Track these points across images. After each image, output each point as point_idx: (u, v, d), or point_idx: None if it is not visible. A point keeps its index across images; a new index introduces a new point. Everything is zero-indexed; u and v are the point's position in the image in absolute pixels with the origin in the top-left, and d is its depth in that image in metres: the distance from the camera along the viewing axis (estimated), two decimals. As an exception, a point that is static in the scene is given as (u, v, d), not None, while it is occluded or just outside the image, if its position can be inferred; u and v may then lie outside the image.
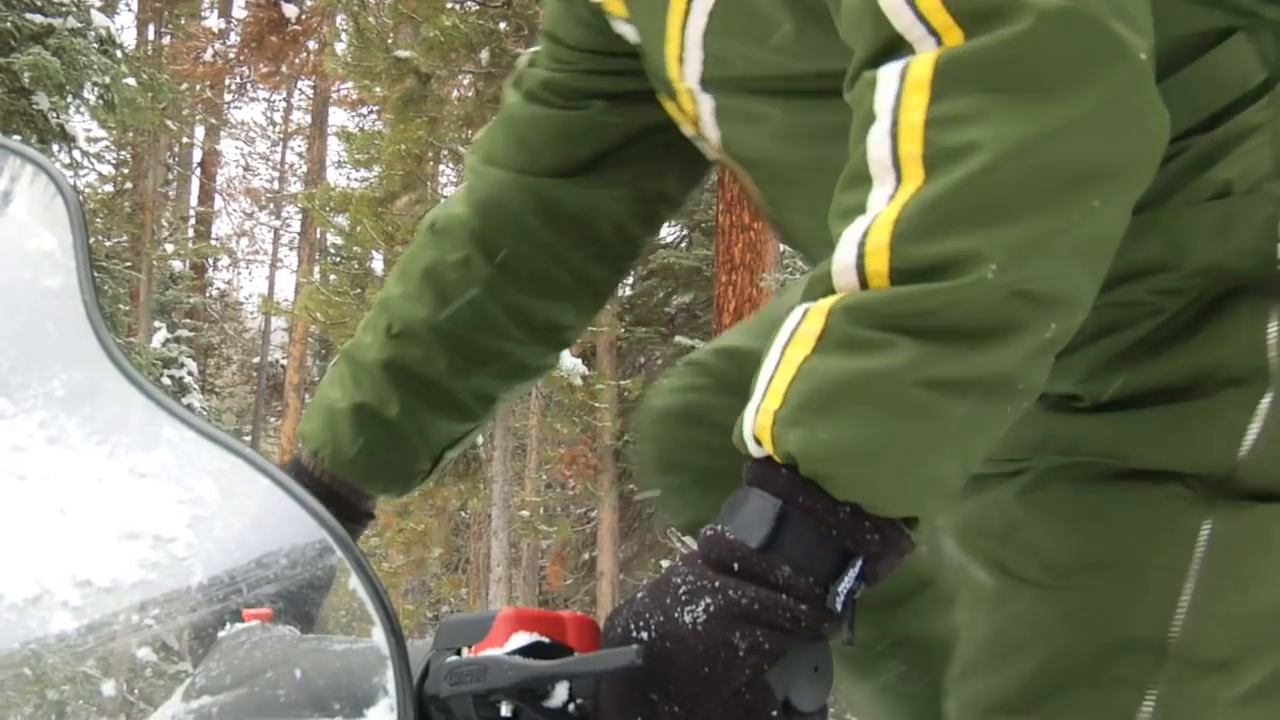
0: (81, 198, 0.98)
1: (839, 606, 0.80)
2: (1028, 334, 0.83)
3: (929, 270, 0.81)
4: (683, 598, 0.80)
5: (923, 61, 0.84)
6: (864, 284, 0.83)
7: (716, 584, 0.80)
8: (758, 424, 0.84)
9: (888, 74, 0.86)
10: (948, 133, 0.83)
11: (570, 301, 1.46)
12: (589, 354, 15.41)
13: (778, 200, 1.28)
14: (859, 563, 0.81)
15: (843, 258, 0.84)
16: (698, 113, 1.22)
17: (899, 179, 0.84)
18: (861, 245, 0.83)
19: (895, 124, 0.84)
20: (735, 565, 0.81)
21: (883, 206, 0.84)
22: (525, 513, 15.35)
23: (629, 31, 1.26)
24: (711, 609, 0.79)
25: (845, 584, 0.81)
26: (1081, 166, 0.83)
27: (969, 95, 0.83)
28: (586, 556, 18.31)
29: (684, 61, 1.17)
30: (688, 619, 0.79)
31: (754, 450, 0.85)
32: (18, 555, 0.88)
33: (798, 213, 1.25)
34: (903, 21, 0.86)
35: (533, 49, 1.46)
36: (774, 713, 0.76)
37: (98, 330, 0.91)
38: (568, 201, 1.40)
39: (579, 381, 12.44)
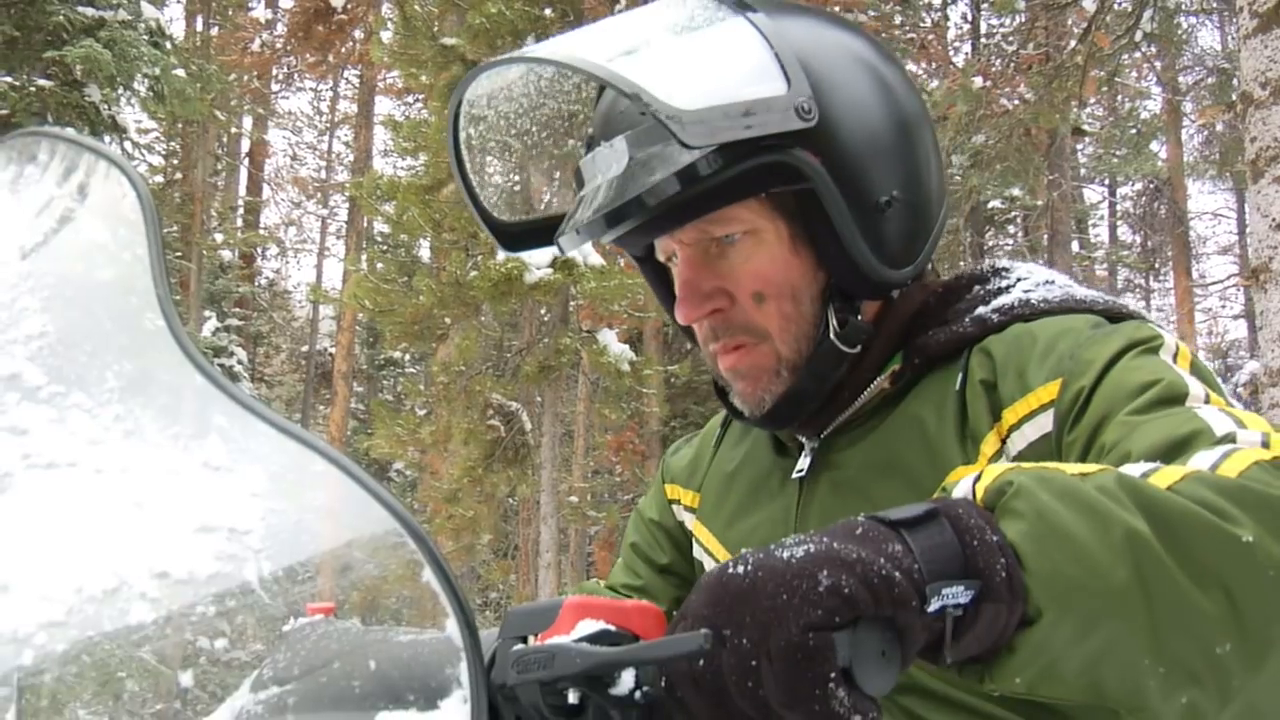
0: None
1: (933, 607, 0.79)
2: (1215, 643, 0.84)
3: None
4: (790, 543, 0.80)
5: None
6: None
7: (826, 538, 0.80)
8: (988, 469, 0.88)
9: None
10: None
11: None
12: (636, 339, 15.43)
13: None
14: (976, 586, 0.80)
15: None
16: None
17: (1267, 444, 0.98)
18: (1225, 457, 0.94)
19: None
20: (858, 530, 0.82)
21: (1256, 445, 0.97)
22: (574, 498, 15.38)
23: None
24: (812, 550, 0.78)
25: (951, 591, 0.79)
26: None
27: None
28: (634, 542, 18.31)
29: None
30: (786, 554, 0.78)
31: (956, 491, 0.89)
32: (96, 547, 0.89)
33: None
34: None
35: None
36: (831, 674, 0.74)
37: (172, 324, 0.91)
38: None
39: (626, 367, 12.43)
